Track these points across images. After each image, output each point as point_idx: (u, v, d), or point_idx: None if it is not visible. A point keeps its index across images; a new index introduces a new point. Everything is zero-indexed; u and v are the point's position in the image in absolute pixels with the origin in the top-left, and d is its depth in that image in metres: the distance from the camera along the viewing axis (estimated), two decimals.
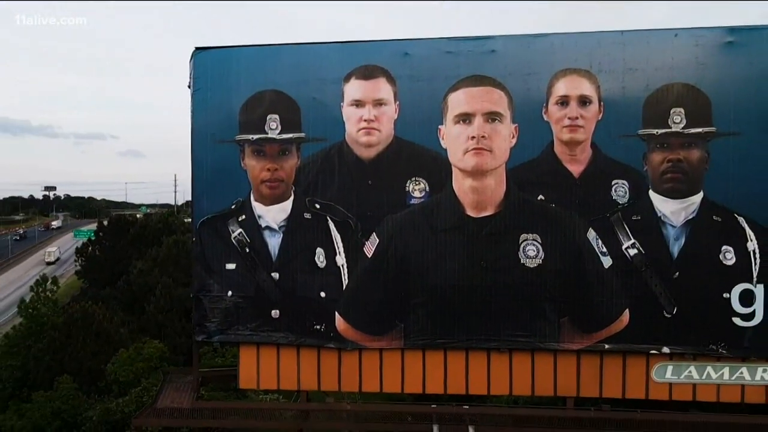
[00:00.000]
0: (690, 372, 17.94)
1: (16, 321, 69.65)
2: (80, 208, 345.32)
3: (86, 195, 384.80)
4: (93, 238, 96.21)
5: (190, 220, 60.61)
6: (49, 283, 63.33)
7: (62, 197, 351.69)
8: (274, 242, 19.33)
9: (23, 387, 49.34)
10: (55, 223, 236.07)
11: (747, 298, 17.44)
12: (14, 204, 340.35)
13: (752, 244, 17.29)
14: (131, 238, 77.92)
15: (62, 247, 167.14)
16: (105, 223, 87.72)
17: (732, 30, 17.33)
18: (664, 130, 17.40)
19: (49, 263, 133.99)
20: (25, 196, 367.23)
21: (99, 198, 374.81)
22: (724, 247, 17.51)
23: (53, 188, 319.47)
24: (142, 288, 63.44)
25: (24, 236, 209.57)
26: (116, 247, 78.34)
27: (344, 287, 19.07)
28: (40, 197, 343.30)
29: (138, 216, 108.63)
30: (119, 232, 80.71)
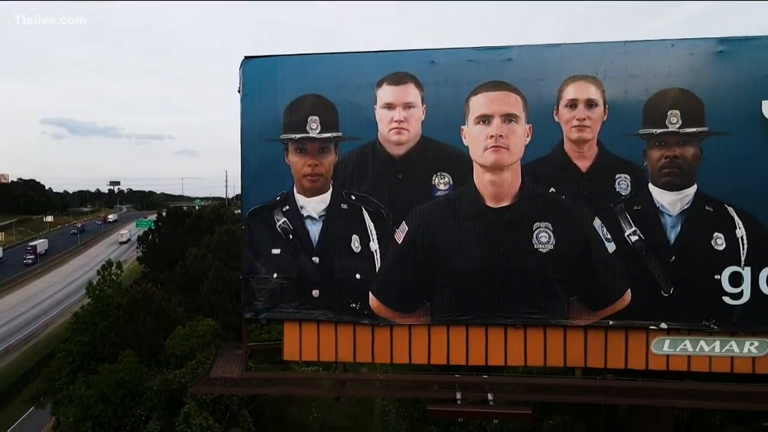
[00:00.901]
0: (685, 345, 18.96)
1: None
2: (141, 200, 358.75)
3: (147, 189, 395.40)
4: (153, 228, 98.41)
5: (239, 211, 62.61)
6: (113, 267, 65.69)
7: (125, 191, 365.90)
8: (314, 230, 20.40)
9: (91, 360, 52.14)
10: (111, 217, 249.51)
11: (736, 279, 18.43)
12: (83, 197, 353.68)
13: (740, 232, 18.33)
14: (187, 228, 79.96)
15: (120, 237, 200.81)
16: (164, 214, 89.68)
17: (722, 40, 18.35)
18: (662, 130, 18.49)
19: (121, 243, 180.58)
20: (93, 190, 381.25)
21: (158, 192, 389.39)
22: (715, 234, 18.56)
23: (117, 183, 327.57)
24: (197, 272, 65.79)
25: (82, 230, 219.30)
26: (173, 236, 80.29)
27: (377, 270, 20.11)
28: (106, 191, 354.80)
29: (196, 207, 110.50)
30: (176, 222, 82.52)
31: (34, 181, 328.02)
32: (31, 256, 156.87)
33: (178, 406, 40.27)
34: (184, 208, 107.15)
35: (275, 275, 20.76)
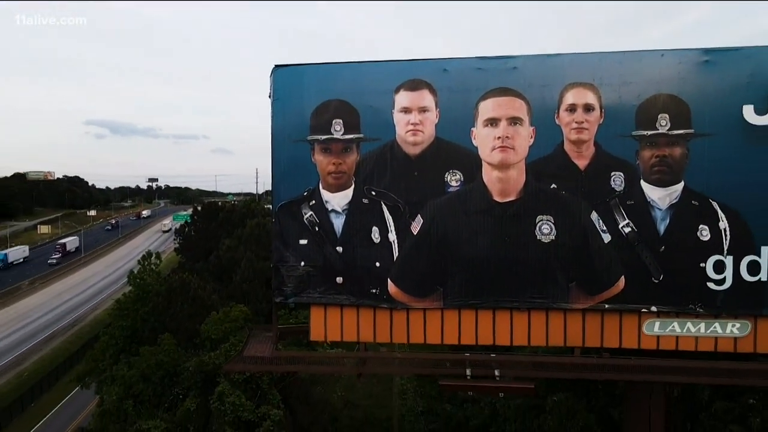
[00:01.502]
0: (673, 327, 19.44)
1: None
2: (178, 196, 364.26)
3: (183, 185, 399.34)
4: (189, 221, 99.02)
5: (269, 206, 63.56)
6: (153, 257, 66.53)
7: (163, 187, 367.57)
8: (338, 222, 20.84)
9: (132, 343, 53.65)
10: (145, 213, 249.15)
11: (719, 267, 18.91)
12: (124, 193, 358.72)
13: (723, 224, 18.80)
14: (220, 221, 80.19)
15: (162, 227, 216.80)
16: (199, 208, 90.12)
17: (707, 51, 18.81)
18: (652, 132, 18.99)
19: (164, 231, 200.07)
20: (133, 186, 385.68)
21: (193, 188, 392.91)
22: (700, 226, 19.06)
23: (156, 180, 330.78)
24: (230, 262, 66.38)
25: (117, 225, 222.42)
26: (208, 229, 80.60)
27: (395, 258, 20.56)
28: (145, 187, 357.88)
29: (233, 202, 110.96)
30: (211, 216, 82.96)
31: (78, 178, 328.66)
32: (57, 255, 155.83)
33: (212, 386, 40.45)
34: (218, 203, 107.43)
35: (303, 263, 21.18)
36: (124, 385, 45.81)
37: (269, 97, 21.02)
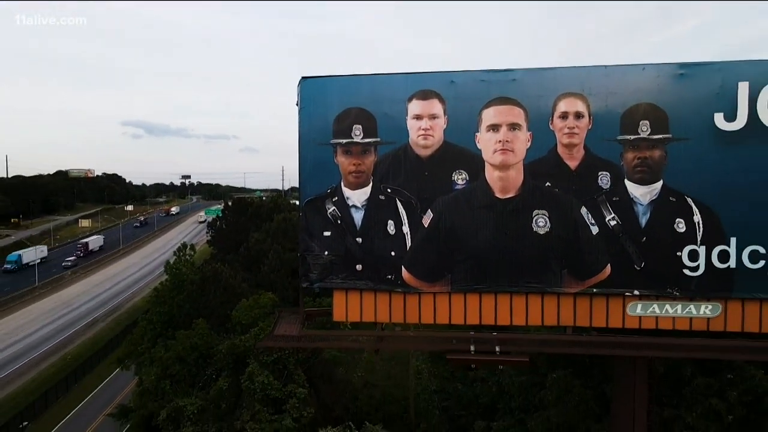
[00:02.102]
0: (654, 308, 20.05)
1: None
2: (209, 192, 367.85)
3: (213, 182, 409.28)
4: (220, 215, 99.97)
5: (295, 201, 65.08)
6: (188, 249, 67.55)
7: (195, 184, 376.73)
8: (358, 216, 21.42)
9: (168, 328, 55.81)
10: (174, 209, 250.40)
11: (693, 255, 19.53)
12: (159, 189, 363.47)
13: (697, 217, 19.44)
14: (249, 215, 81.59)
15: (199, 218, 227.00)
16: (230, 204, 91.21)
17: (682, 65, 19.44)
18: (635, 136, 19.60)
19: (200, 222, 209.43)
20: (167, 182, 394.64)
21: (223, 184, 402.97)
22: (677, 220, 19.62)
23: (188, 177, 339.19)
24: (258, 253, 68.24)
25: (145, 222, 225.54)
26: (238, 222, 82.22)
27: (408, 248, 21.10)
28: (178, 184, 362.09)
29: (263, 198, 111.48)
30: (240, 211, 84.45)
31: (116, 175, 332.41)
32: (71, 259, 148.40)
33: (243, 366, 42.37)
34: (247, 198, 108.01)
35: (326, 253, 21.72)
36: (161, 366, 47.60)
37: (296, 105, 21.47)
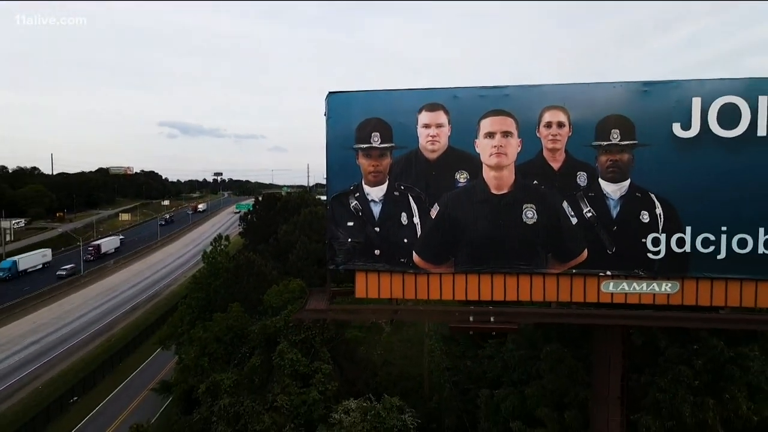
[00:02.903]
0: (623, 286, 21.33)
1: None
2: (239, 188, 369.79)
3: (243, 179, 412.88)
4: (251, 209, 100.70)
5: (320, 197, 67.52)
6: (223, 240, 69.08)
7: (226, 180, 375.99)
8: (376, 209, 22.61)
9: (206, 311, 57.24)
10: (201, 206, 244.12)
11: (656, 242, 20.76)
12: (192, 185, 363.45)
13: (659, 210, 20.65)
14: (278, 209, 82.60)
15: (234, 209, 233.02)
16: (260, 198, 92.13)
17: (646, 83, 20.61)
18: (607, 142, 20.77)
19: (236, 212, 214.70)
20: (200, 179, 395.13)
21: (253, 181, 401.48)
22: (642, 212, 20.84)
23: (220, 174, 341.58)
24: (286, 244, 69.46)
25: (171, 220, 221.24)
26: (267, 216, 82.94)
27: (418, 236, 22.27)
28: (211, 180, 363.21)
29: (290, 193, 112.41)
30: (270, 205, 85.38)
31: (153, 172, 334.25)
32: (68, 267, 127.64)
33: (274, 345, 44.58)
34: (276, 193, 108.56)
35: (349, 240, 22.86)
36: (200, 345, 49.30)
37: (324, 115, 22.43)
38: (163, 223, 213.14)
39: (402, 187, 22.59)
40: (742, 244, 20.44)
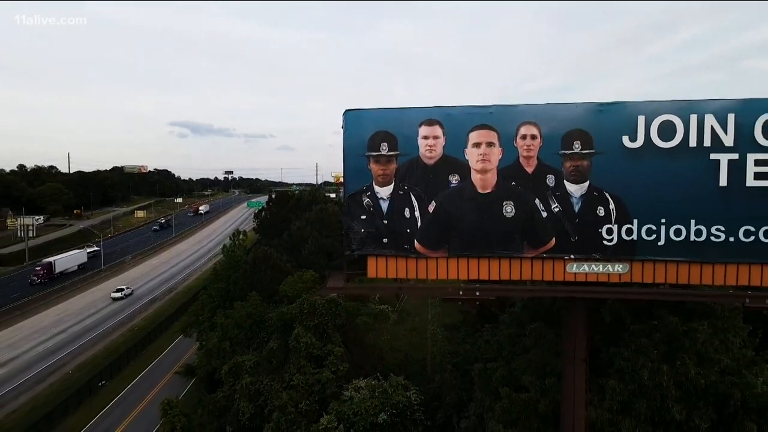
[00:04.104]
0: (584, 267, 23.81)
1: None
2: (249, 186, 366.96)
3: (254, 177, 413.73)
4: (261, 206, 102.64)
5: (329, 194, 71.35)
6: (241, 235, 72.20)
7: (237, 178, 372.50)
8: (384, 205, 24.66)
9: (225, 300, 59.70)
10: (203, 208, 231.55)
11: (609, 231, 23.28)
12: (204, 183, 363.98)
13: (612, 206, 23.04)
14: (290, 207, 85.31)
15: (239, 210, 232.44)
16: (272, 196, 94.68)
17: (600, 104, 22.94)
18: (570, 151, 23.08)
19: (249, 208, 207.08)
20: (211, 177, 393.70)
21: (263, 179, 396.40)
22: (598, 207, 23.16)
23: (231, 172, 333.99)
24: (299, 239, 72.08)
25: (167, 224, 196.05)
26: (280, 213, 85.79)
27: (418, 227, 24.42)
28: (222, 178, 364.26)
29: (298, 191, 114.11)
30: (282, 203, 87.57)
31: (166, 171, 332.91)
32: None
33: (290, 330, 47.72)
34: (288, 191, 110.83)
35: (363, 230, 24.85)
36: (222, 331, 52.36)
37: (342, 128, 24.34)
38: (157, 228, 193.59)
39: (405, 187, 24.46)
40: (678, 233, 22.90)
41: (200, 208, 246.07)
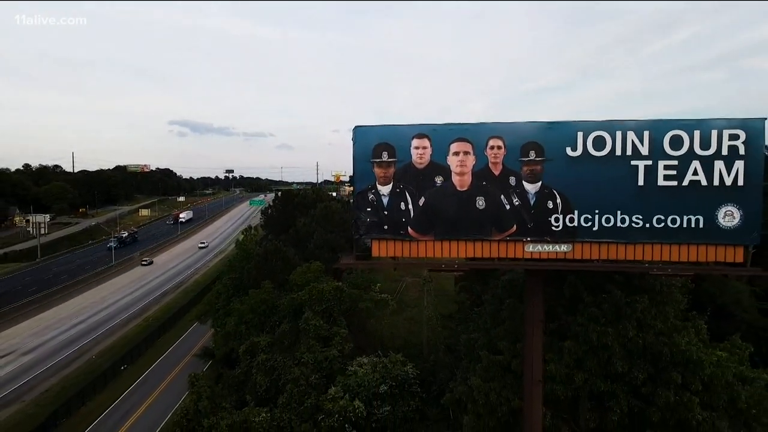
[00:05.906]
0: (538, 247, 27.70)
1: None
2: (250, 184, 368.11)
3: (254, 175, 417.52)
4: (263, 205, 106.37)
5: (331, 193, 78.56)
6: (253, 230, 78.30)
7: (238, 177, 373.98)
8: (385, 200, 28.01)
9: (239, 289, 64.83)
10: (183, 216, 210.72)
11: (557, 220, 27.27)
12: (205, 182, 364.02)
13: (558, 200, 26.95)
14: (295, 204, 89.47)
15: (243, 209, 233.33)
16: (278, 194, 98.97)
17: (550, 123, 26.70)
18: (527, 158, 26.71)
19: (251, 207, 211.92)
20: (212, 176, 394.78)
21: (263, 178, 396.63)
22: (548, 201, 27.02)
23: (231, 171, 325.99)
24: (305, 234, 76.40)
25: (132, 239, 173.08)
26: (286, 210, 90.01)
27: (411, 217, 27.81)
28: (222, 177, 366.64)
29: (300, 190, 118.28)
30: (287, 201, 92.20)
31: (168, 170, 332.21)
32: None
33: (300, 314, 52.70)
34: (293, 190, 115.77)
35: (368, 220, 28.13)
36: (238, 315, 57.40)
37: (351, 140, 27.41)
38: (115, 245, 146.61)
39: (401, 186, 27.94)
40: (607, 221, 27.01)
41: (181, 215, 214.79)
